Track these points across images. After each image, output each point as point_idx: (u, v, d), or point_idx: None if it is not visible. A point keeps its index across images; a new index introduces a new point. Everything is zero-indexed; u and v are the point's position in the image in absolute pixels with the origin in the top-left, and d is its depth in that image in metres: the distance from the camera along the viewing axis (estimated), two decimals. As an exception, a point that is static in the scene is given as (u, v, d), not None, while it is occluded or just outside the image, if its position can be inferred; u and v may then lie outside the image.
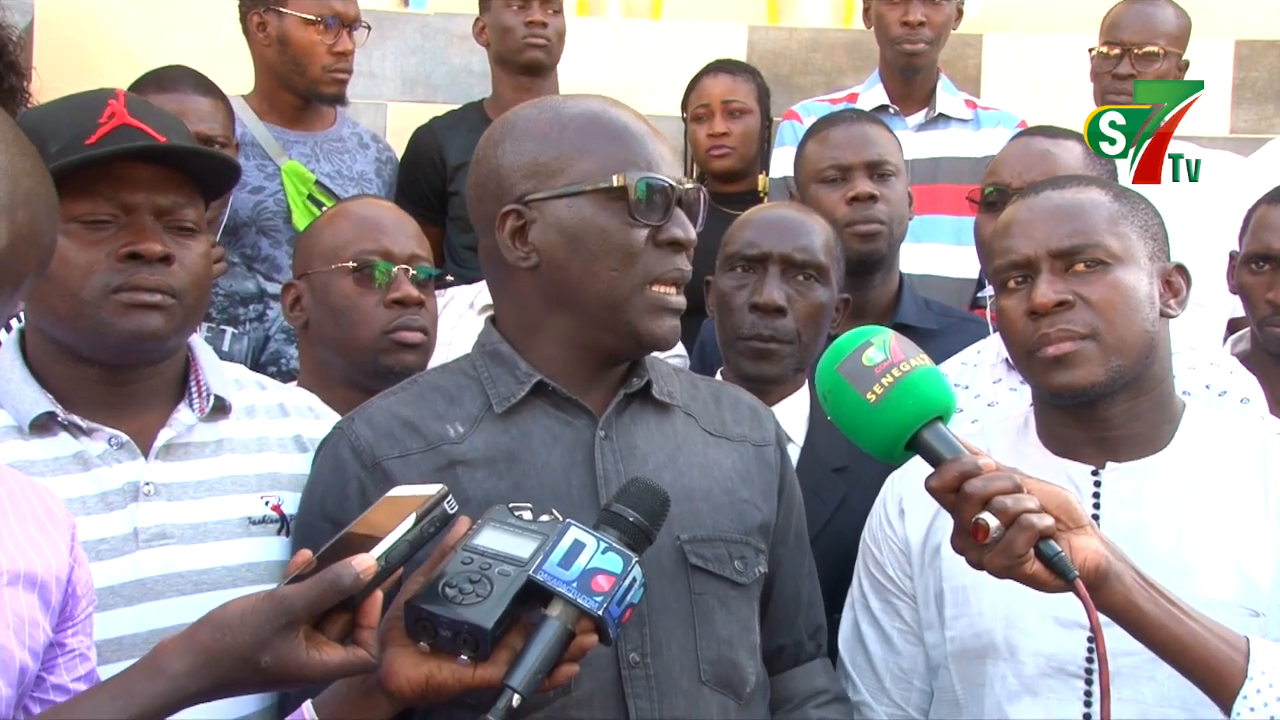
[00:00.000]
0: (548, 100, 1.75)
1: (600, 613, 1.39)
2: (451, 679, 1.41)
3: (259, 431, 1.83)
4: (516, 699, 1.36)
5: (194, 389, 1.79)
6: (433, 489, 1.46)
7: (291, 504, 1.78)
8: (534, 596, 1.41)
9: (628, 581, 1.42)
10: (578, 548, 1.42)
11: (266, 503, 1.77)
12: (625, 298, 1.64)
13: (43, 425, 1.68)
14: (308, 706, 1.45)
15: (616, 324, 1.65)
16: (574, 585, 1.39)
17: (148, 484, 1.70)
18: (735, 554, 1.69)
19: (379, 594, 1.39)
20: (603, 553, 1.42)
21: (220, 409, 1.79)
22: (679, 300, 1.68)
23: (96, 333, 1.66)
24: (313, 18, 3.47)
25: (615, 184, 1.62)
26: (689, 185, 1.69)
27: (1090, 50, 3.73)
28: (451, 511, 1.45)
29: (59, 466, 1.67)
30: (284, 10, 3.48)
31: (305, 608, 1.33)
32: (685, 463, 1.70)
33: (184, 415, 1.76)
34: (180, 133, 1.73)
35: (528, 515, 1.49)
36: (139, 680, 1.34)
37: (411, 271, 2.33)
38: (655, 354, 1.77)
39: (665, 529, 1.61)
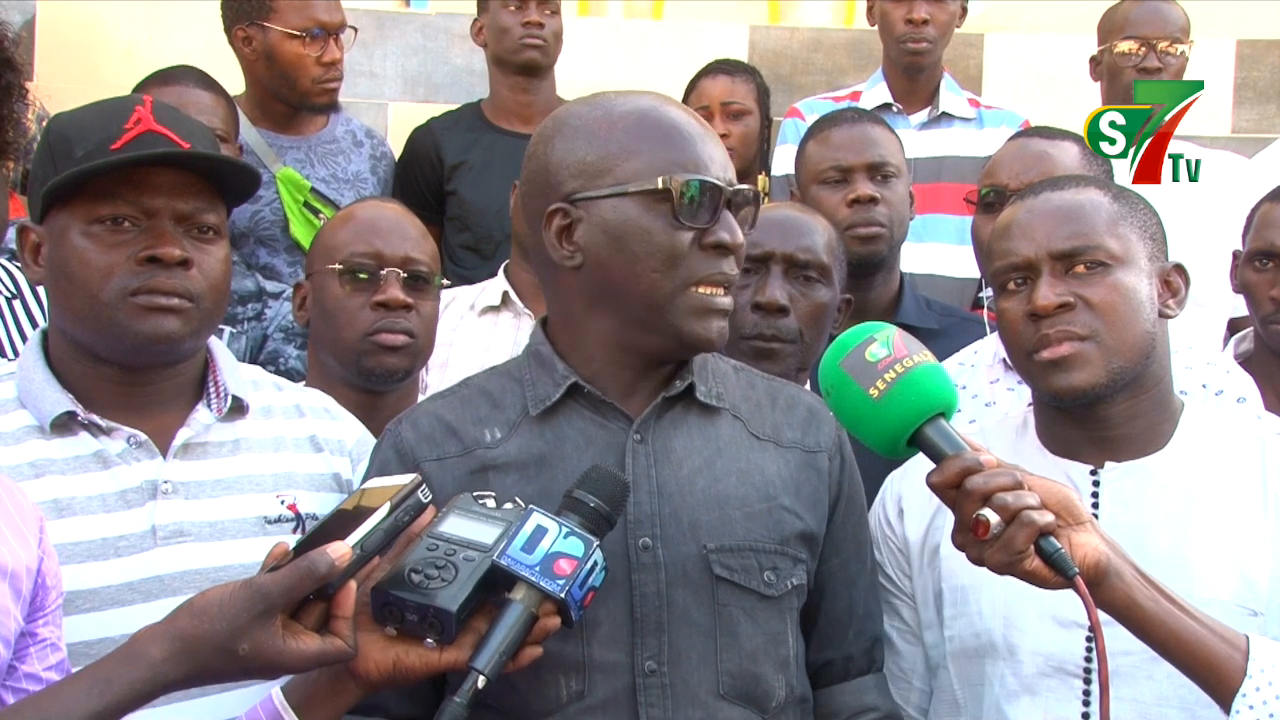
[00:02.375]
0: (601, 97, 1.72)
1: (563, 595, 1.44)
2: (418, 662, 1.45)
3: (275, 431, 1.85)
4: (482, 681, 1.40)
5: (212, 389, 1.80)
6: (406, 478, 1.50)
7: (307, 503, 1.80)
8: (499, 581, 1.45)
9: (589, 565, 1.46)
10: (540, 533, 1.46)
11: (282, 502, 1.79)
12: (667, 299, 1.62)
13: (63, 425, 1.70)
14: (277, 693, 1.48)
15: (660, 325, 1.63)
16: (537, 569, 1.44)
17: (166, 482, 1.72)
18: (766, 565, 1.66)
19: (353, 584, 1.42)
20: (565, 537, 1.47)
21: (238, 409, 1.81)
22: (725, 301, 1.65)
23: (114, 334, 1.69)
24: (297, 32, 3.44)
25: (660, 185, 1.60)
26: (741, 187, 1.66)
27: (1101, 49, 3.72)
28: (426, 500, 1.49)
29: (79, 465, 1.69)
30: (267, 25, 3.45)
31: (282, 594, 1.36)
32: (723, 468, 1.68)
33: (202, 415, 1.78)
34: (204, 139, 1.75)
35: (491, 503, 1.53)
36: (117, 667, 1.36)
37: (402, 274, 2.33)
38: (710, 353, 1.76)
39: (693, 537, 1.63)
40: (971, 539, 1.47)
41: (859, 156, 2.82)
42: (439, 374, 2.93)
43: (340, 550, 1.38)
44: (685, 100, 4.03)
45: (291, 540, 1.50)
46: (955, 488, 1.48)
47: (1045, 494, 1.49)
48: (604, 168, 1.63)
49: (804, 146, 2.96)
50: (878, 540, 1.95)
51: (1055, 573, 1.46)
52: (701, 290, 1.63)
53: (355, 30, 3.62)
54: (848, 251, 2.59)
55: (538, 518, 1.48)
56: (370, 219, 2.40)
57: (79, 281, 1.68)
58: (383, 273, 2.32)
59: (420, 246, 2.39)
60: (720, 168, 1.65)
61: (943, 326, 2.83)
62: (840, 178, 2.81)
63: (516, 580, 1.44)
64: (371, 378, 2.30)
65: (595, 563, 1.47)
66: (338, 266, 2.32)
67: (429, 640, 1.44)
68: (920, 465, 1.56)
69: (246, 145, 3.42)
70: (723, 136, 3.83)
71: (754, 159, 3.97)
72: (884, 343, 1.53)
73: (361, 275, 2.31)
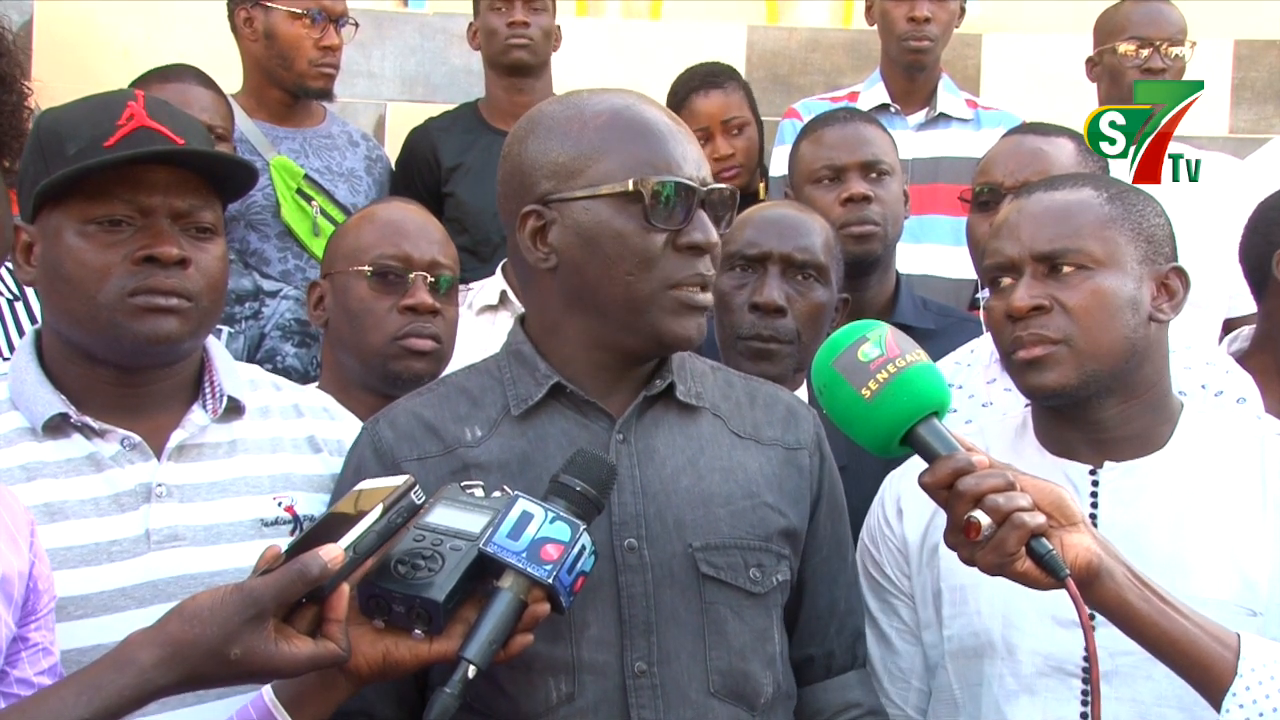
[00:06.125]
0: (574, 96, 1.71)
1: (550, 581, 1.43)
2: (408, 655, 1.45)
3: (273, 432, 1.83)
4: (473, 670, 1.40)
5: (208, 390, 1.79)
6: (399, 480, 1.49)
7: (305, 505, 1.78)
8: (487, 570, 1.45)
9: (577, 549, 1.46)
10: (526, 519, 1.46)
11: (279, 504, 1.77)
12: (645, 301, 1.61)
13: (56, 427, 1.68)
14: (267, 691, 1.47)
15: (638, 326, 1.63)
16: (523, 555, 1.43)
17: (160, 485, 1.70)
18: (752, 562, 1.67)
19: (345, 587, 1.42)
20: (551, 522, 1.46)
21: (234, 410, 1.79)
22: (704, 298, 1.64)
23: (112, 335, 1.67)
24: (299, 11, 3.48)
25: (631, 187, 1.59)
26: (715, 186, 1.65)
27: (1100, 51, 3.72)
28: (419, 502, 1.49)
29: (72, 468, 1.68)
30: (270, 5, 3.49)
31: (274, 598, 1.35)
32: (706, 466, 1.68)
33: (197, 416, 1.76)
34: (198, 135, 1.73)
35: (479, 493, 1.53)
36: (106, 673, 1.35)
37: (429, 278, 2.33)
38: (687, 352, 1.76)
39: (678, 536, 1.63)
40: (963, 540, 1.48)
41: (852, 155, 2.82)
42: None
43: (333, 553, 1.38)
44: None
45: (286, 543, 1.50)
46: (947, 488, 1.48)
47: (1038, 494, 1.49)
48: (576, 169, 1.62)
49: (797, 147, 2.96)
50: (876, 540, 1.95)
51: (1046, 574, 1.46)
52: (678, 291, 1.62)
53: (356, 25, 3.64)
54: (843, 250, 2.58)
55: (523, 504, 1.47)
56: (396, 221, 2.40)
57: (75, 283, 1.66)
58: (411, 276, 2.31)
59: (445, 250, 2.39)
60: (694, 166, 1.64)
61: (940, 327, 2.83)
62: (833, 176, 2.82)
63: (504, 568, 1.44)
64: (397, 382, 2.28)
65: (583, 547, 1.47)
66: (366, 268, 2.31)
67: (417, 631, 1.44)
68: (919, 464, 1.55)
69: (242, 136, 3.43)
70: (730, 156, 3.78)
71: (757, 166, 3.93)
72: (876, 342, 1.52)
73: (390, 278, 2.30)
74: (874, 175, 2.81)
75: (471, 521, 1.48)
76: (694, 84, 3.82)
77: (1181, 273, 1.87)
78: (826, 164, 2.83)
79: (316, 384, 2.35)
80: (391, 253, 2.32)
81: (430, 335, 2.32)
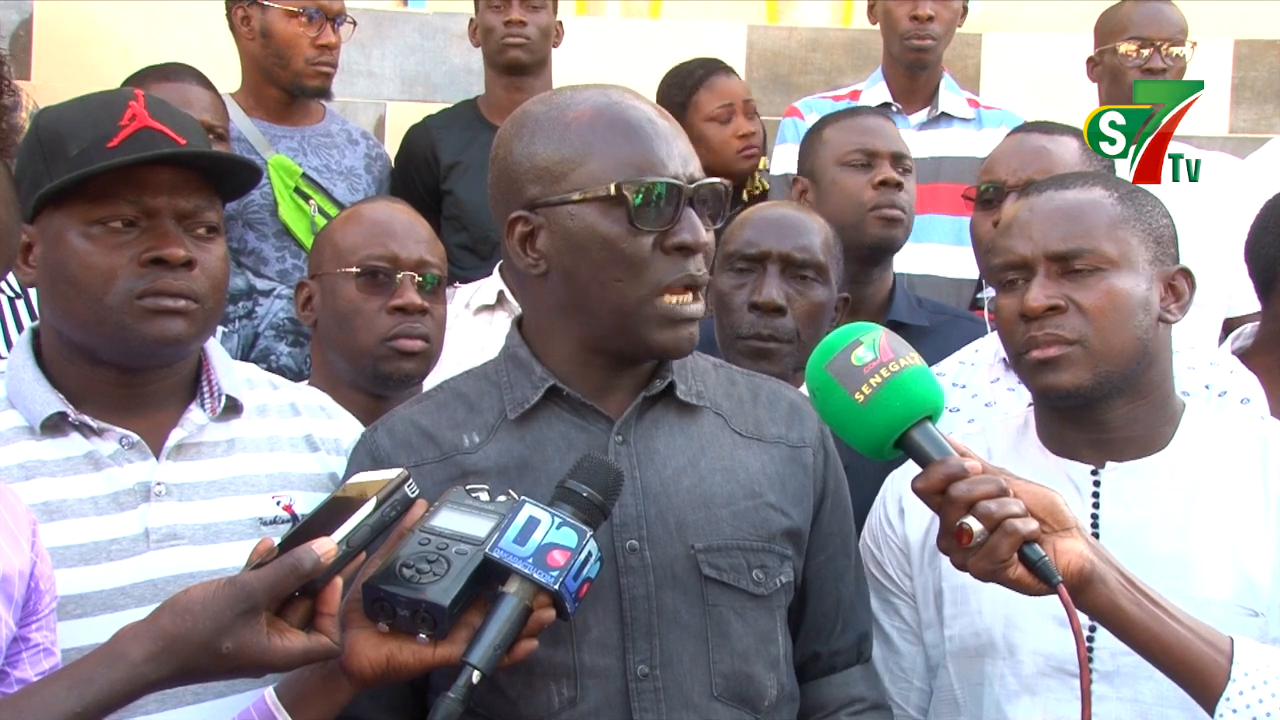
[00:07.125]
0: (557, 95, 1.69)
1: (556, 587, 1.43)
2: (412, 659, 1.44)
3: (271, 431, 1.83)
4: (477, 675, 1.39)
5: (206, 389, 1.78)
6: (393, 473, 1.49)
7: (303, 504, 1.77)
8: (492, 575, 1.44)
9: (583, 556, 1.45)
10: (533, 524, 1.45)
11: (278, 503, 1.77)
12: (635, 308, 1.59)
13: (54, 425, 1.68)
14: (269, 693, 1.47)
15: (628, 332, 1.61)
16: (530, 561, 1.43)
17: (159, 484, 1.69)
18: (754, 563, 1.65)
19: (339, 580, 1.42)
20: (557, 528, 1.45)
21: (232, 409, 1.79)
22: (693, 309, 1.62)
23: (119, 337, 1.66)
24: (295, 10, 3.49)
25: (613, 191, 1.57)
26: (703, 181, 1.63)
27: (1100, 50, 3.72)
28: (412, 495, 1.49)
29: (70, 467, 1.67)
30: (267, 3, 3.50)
31: (266, 592, 1.35)
32: (708, 467, 1.67)
33: (195, 415, 1.75)
34: (197, 135, 1.72)
35: (484, 496, 1.52)
36: (97, 667, 1.35)
37: (417, 278, 2.32)
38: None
39: (680, 538, 1.62)
40: (956, 545, 1.47)
41: (888, 145, 2.87)
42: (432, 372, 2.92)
43: (325, 546, 1.37)
44: (696, 99, 3.92)
45: (279, 537, 1.50)
46: (940, 493, 1.48)
47: (1030, 499, 1.49)
48: (561, 172, 1.60)
49: (820, 133, 2.97)
50: (878, 539, 1.95)
51: (1039, 580, 1.46)
52: (669, 300, 1.60)
53: (354, 23, 3.64)
54: (866, 235, 2.63)
55: (530, 509, 1.47)
56: (383, 220, 2.39)
57: (81, 285, 1.64)
58: (399, 276, 2.31)
59: (432, 249, 2.39)
60: (680, 163, 1.61)
61: (934, 324, 2.84)
62: (866, 162, 2.85)
63: (510, 573, 1.43)
64: (387, 383, 2.29)
65: (589, 553, 1.46)
66: (353, 269, 2.31)
67: (422, 636, 1.43)
68: (921, 465, 1.55)
69: (240, 135, 3.43)
70: (753, 134, 3.81)
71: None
72: (870, 346, 1.51)
73: (379, 278, 2.30)
74: (901, 169, 2.85)
75: (477, 526, 1.48)
76: (711, 66, 3.90)
77: (1188, 274, 1.86)
78: (860, 148, 2.85)
79: (307, 382, 2.34)
80: (379, 253, 2.32)
81: (420, 335, 2.31)
